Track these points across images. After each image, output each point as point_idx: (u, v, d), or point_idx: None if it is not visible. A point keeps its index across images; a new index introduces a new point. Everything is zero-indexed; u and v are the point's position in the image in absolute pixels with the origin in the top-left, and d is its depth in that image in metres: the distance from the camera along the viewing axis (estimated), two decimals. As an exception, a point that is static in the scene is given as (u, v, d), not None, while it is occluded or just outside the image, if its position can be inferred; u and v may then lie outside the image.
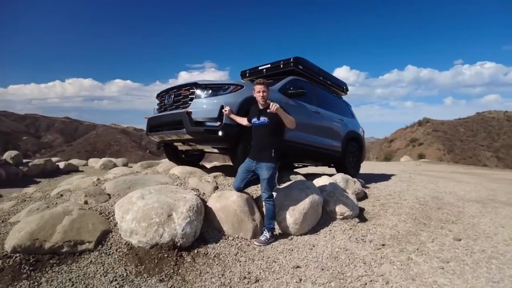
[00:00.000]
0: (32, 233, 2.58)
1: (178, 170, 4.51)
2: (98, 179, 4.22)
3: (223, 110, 3.83)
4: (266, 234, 3.37)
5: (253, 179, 3.57)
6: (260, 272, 2.80)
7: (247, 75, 6.17)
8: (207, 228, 3.32)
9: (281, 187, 4.12)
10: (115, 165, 9.79)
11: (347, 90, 7.17)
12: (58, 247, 2.61)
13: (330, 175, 5.43)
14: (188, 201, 3.11)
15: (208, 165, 5.94)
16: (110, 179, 4.32)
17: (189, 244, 2.98)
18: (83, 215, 2.92)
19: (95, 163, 11.11)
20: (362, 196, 5.37)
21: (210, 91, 4.07)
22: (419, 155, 34.92)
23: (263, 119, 3.49)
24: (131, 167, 6.59)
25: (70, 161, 11.07)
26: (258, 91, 3.54)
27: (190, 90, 4.17)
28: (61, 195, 3.74)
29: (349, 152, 6.42)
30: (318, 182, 4.69)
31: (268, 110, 3.37)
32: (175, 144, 4.64)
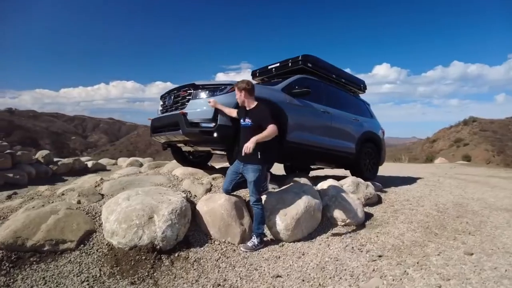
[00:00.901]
0: (16, 231, 2.68)
1: (180, 171, 4.52)
2: (102, 179, 4.34)
3: (207, 101, 3.81)
4: (254, 240, 3.24)
5: (242, 182, 3.46)
6: (236, 280, 2.68)
7: (257, 74, 6.06)
8: (193, 231, 3.27)
9: (275, 190, 3.97)
10: (141, 165, 10.11)
11: (365, 88, 6.79)
12: (40, 246, 2.69)
13: (342, 178, 5.17)
14: (172, 204, 3.07)
15: (218, 166, 5.91)
16: (114, 178, 4.43)
17: (170, 247, 2.94)
18: (69, 215, 2.99)
19: (123, 162, 11.58)
20: (375, 201, 5.05)
21: (207, 92, 4.01)
22: (464, 157, 32.58)
23: (247, 121, 3.39)
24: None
25: (99, 161, 11.63)
26: (236, 96, 3.54)
27: (188, 91, 4.14)
28: (62, 194, 3.89)
29: (364, 154, 6.07)
30: (322, 185, 4.47)
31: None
32: (178, 145, 4.66)
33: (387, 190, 5.93)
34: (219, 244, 3.21)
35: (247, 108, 3.43)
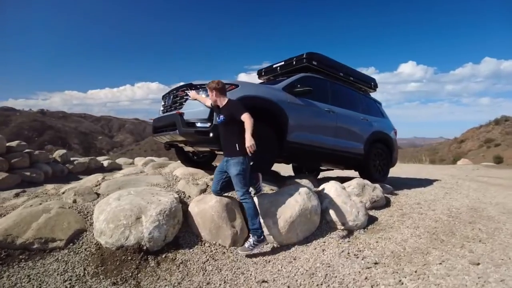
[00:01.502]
0: (7, 229, 2.75)
1: (180, 171, 4.51)
2: (103, 178, 4.41)
3: (187, 93, 3.85)
4: (251, 240, 3.12)
5: (230, 180, 3.35)
6: (220, 284, 2.62)
7: (263, 74, 5.98)
8: (184, 233, 3.23)
9: (272, 192, 3.86)
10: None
11: (375, 86, 6.54)
12: (29, 244, 2.74)
13: (351, 179, 4.98)
14: (161, 205, 3.05)
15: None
16: (114, 178, 4.48)
17: (158, 248, 2.92)
18: (61, 214, 3.04)
19: (139, 162, 11.80)
20: (383, 204, 4.83)
21: (203, 92, 3.97)
22: (495, 158, 30.96)
23: (221, 117, 3.35)
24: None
25: (117, 160, 11.90)
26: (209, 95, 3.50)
27: (185, 91, 4.13)
28: (63, 193, 3.96)
29: (374, 155, 5.84)
30: (324, 187, 4.31)
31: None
32: (180, 145, 4.65)
33: (398, 193, 5.68)
34: (209, 246, 3.15)
35: (220, 106, 3.39)
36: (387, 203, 4.96)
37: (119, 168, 10.65)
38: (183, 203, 3.46)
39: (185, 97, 4.09)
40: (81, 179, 8.65)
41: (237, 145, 3.22)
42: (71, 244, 2.87)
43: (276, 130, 4.27)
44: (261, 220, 3.27)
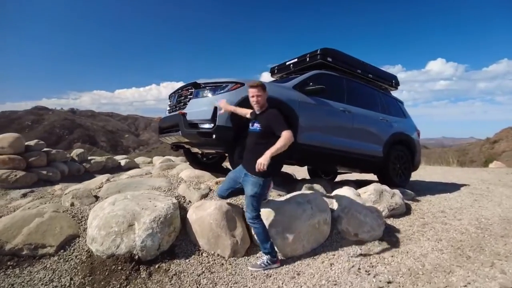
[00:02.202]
0: (-3, 233, 2.65)
1: (186, 173, 4.34)
2: (108, 179, 4.31)
3: (217, 103, 3.50)
4: (264, 258, 2.87)
5: (240, 189, 3.13)
6: (212, 301, 2.40)
7: (276, 71, 5.71)
8: (182, 241, 3.04)
9: (280, 199, 3.60)
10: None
11: (397, 84, 6.10)
12: (18, 250, 2.63)
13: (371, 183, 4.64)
14: (156, 211, 2.87)
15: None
16: (119, 179, 4.38)
17: (151, 257, 2.74)
18: (54, 218, 2.92)
19: (157, 161, 11.84)
20: (402, 212, 4.45)
21: (207, 91, 3.78)
22: (531, 160, 28.95)
23: (256, 125, 2.98)
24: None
25: (136, 159, 12.01)
26: (252, 96, 3.03)
27: (189, 90, 3.94)
28: (65, 194, 3.89)
29: (394, 158, 5.43)
30: (336, 194, 4.00)
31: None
32: (186, 146, 4.48)
33: (420, 199, 5.25)
34: (207, 256, 2.94)
35: (258, 112, 3.03)
36: (407, 211, 4.57)
37: (136, 167, 10.72)
38: (182, 209, 3.28)
39: (188, 96, 3.90)
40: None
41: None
42: (62, 250, 2.75)
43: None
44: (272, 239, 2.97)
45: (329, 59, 4.92)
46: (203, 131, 3.60)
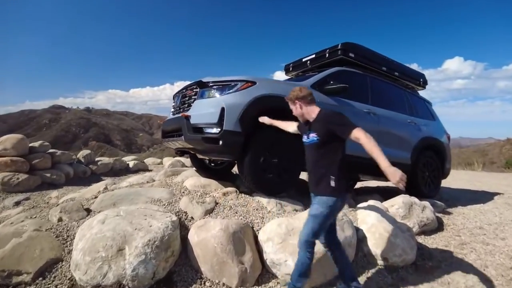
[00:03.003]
0: (-34, 258, 2.27)
1: (190, 182, 3.92)
2: (106, 188, 3.93)
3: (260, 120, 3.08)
4: None
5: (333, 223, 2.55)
6: None
7: (291, 69, 5.22)
8: (182, 266, 2.60)
9: (295, 214, 3.12)
10: (183, 165, 9.86)
11: (424, 83, 5.53)
12: (-11, 278, 2.24)
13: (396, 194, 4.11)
14: (151, 232, 2.44)
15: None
16: (121, 187, 3.99)
17: (145, 287, 2.31)
18: (34, 238, 2.53)
19: (167, 162, 11.50)
20: (434, 228, 3.93)
21: (214, 91, 3.33)
22: (557, 162, 27.43)
23: (312, 136, 2.38)
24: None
25: (146, 160, 11.72)
26: (294, 113, 2.58)
27: (194, 90, 3.51)
28: (56, 206, 3.51)
29: (422, 165, 4.87)
30: (362, 210, 3.50)
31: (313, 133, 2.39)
32: (192, 152, 4.05)
33: (451, 211, 4.69)
34: (210, 286, 2.49)
35: (310, 120, 2.48)
36: (439, 226, 4.03)
37: (144, 169, 10.41)
38: (183, 227, 2.84)
39: (192, 97, 3.47)
40: (103, 180, 8.49)
41: (332, 178, 2.25)
42: (40, 278, 2.34)
43: (301, 138, 3.54)
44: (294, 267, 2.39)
45: (351, 54, 4.40)
46: (209, 136, 3.16)
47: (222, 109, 3.10)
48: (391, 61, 4.98)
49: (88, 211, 3.15)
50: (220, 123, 3.09)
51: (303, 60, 4.94)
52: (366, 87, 4.40)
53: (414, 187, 4.76)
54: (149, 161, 11.63)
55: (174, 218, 2.75)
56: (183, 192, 3.61)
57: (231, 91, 3.23)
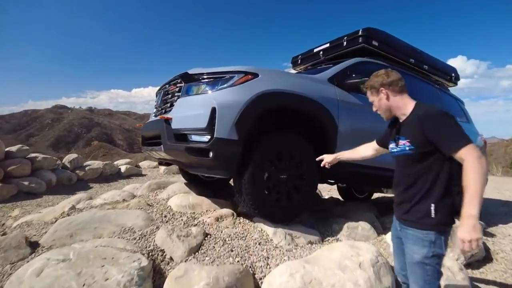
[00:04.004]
0: None
1: (176, 201, 3.14)
2: (72, 207, 3.14)
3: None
4: None
5: None
6: None
7: (299, 62, 4.42)
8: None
9: (307, 250, 2.33)
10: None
11: (456, 79, 4.70)
12: None
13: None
14: (102, 293, 1.65)
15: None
16: (91, 207, 3.21)
17: None
18: None
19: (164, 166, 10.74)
20: (482, 258, 3.11)
21: (203, 85, 2.54)
22: None
23: (402, 143, 1.70)
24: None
25: (141, 163, 11.00)
26: (371, 101, 1.92)
27: (177, 85, 2.72)
28: (4, 234, 2.73)
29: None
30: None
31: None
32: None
33: (493, 232, 3.87)
34: None
35: (401, 118, 1.77)
36: (486, 256, 3.21)
37: (138, 173, 9.66)
38: (158, 273, 2.05)
39: (175, 94, 2.69)
40: (91, 187, 7.71)
41: (432, 205, 1.57)
42: None
43: (318, 146, 2.74)
44: None
45: (375, 42, 3.60)
46: (195, 146, 2.37)
47: (213, 110, 2.31)
48: (420, 52, 4.16)
49: (35, 246, 2.36)
50: (210, 128, 2.30)
51: (315, 50, 4.13)
52: (393, 83, 3.59)
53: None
54: (144, 164, 10.89)
55: (145, 262, 1.95)
56: (165, 216, 2.82)
57: (225, 85, 2.44)
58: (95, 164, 8.34)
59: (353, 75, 3.01)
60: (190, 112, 2.44)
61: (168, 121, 2.49)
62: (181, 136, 2.44)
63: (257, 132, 2.47)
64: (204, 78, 2.54)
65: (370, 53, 3.68)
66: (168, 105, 2.76)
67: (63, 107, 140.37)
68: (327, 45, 3.94)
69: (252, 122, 2.37)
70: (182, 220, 2.73)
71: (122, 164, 9.52)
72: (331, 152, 2.72)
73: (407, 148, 1.65)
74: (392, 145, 1.81)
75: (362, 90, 2.83)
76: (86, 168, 7.92)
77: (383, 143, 2.01)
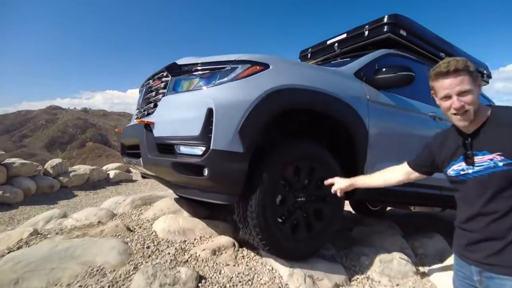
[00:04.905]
0: None
1: (163, 224, 2.52)
2: (34, 232, 2.51)
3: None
4: None
5: None
6: None
7: (309, 55, 3.83)
8: None
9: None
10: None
11: (488, 77, 4.14)
12: None
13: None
14: None
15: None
16: (59, 231, 2.58)
17: None
18: None
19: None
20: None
21: (196, 79, 1.93)
22: None
23: (486, 159, 1.22)
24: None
25: (130, 168, 10.38)
26: (445, 96, 1.27)
27: (163, 80, 2.10)
28: None
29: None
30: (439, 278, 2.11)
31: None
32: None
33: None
34: None
35: (467, 130, 1.30)
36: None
37: (128, 179, 9.05)
38: None
39: (160, 91, 2.08)
40: (76, 195, 7.05)
41: None
42: None
43: (344, 158, 2.15)
44: None
45: (403, 32, 3.02)
46: (185, 161, 1.76)
47: (209, 112, 1.70)
48: (450, 45, 3.59)
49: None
50: (205, 137, 1.69)
51: (328, 42, 3.54)
52: (425, 81, 3.01)
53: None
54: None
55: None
56: (148, 248, 2.20)
57: (225, 79, 1.83)
58: (81, 169, 7.70)
59: (384, 69, 2.41)
60: (178, 114, 1.83)
61: (149, 126, 1.88)
62: (165, 147, 1.83)
63: (268, 142, 1.87)
64: (197, 70, 1.93)
65: (395, 45, 3.10)
66: (152, 105, 2.14)
67: (57, 107, 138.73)
68: (344, 35, 3.35)
69: (262, 129, 1.77)
70: (169, 254, 2.11)
71: (112, 169, 8.89)
72: (359, 167, 2.13)
73: (501, 164, 1.17)
74: (458, 166, 1.31)
75: (399, 87, 2.26)
76: (71, 174, 7.28)
77: (421, 167, 1.55)
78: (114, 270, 1.91)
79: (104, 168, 8.67)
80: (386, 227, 3.25)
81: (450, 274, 2.17)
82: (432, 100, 2.71)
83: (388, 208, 5.14)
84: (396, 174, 1.63)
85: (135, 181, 8.99)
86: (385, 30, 2.98)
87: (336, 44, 3.42)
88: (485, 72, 4.02)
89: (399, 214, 5.20)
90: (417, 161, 1.55)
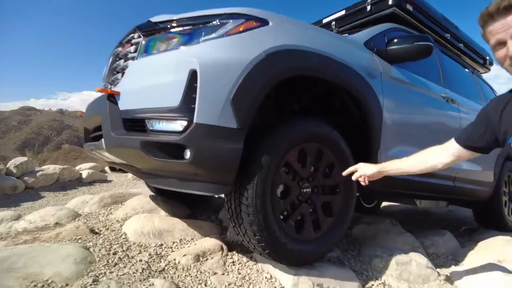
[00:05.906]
0: None
1: (137, 225, 2.10)
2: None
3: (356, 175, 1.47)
4: None
5: None
6: None
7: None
8: None
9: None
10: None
11: (490, 64, 3.95)
12: None
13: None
14: None
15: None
16: (8, 236, 2.09)
17: None
18: None
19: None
20: None
21: (175, 37, 1.52)
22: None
23: None
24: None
25: (106, 168, 9.74)
26: (498, 42, 0.97)
27: (133, 42, 1.67)
28: None
29: (504, 184, 3.26)
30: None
31: None
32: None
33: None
34: None
35: None
36: None
37: (102, 179, 8.40)
38: None
39: (129, 55, 1.65)
40: (43, 197, 6.41)
41: None
42: None
43: (355, 142, 1.79)
44: None
45: (409, 7, 2.72)
46: (159, 140, 1.34)
47: (192, 75, 1.29)
48: (456, 27, 3.34)
49: None
50: (186, 107, 1.28)
51: (324, 21, 3.20)
52: (434, 61, 2.72)
53: (493, 217, 3.13)
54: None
55: None
56: (114, 254, 1.76)
57: (213, 35, 1.42)
58: (50, 169, 7.03)
59: (395, 40, 2.08)
60: (150, 81, 1.42)
61: (113, 97, 1.46)
62: (134, 123, 1.41)
63: (268, 117, 1.49)
64: (177, 26, 1.52)
65: (399, 21, 2.80)
66: (119, 75, 1.70)
67: (31, 108, 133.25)
68: (343, 12, 3.02)
69: (260, 100, 1.38)
70: (140, 261, 1.68)
71: (85, 169, 8.23)
72: (373, 152, 1.78)
73: None
74: None
75: (415, 59, 1.93)
76: (38, 174, 6.60)
77: (476, 142, 1.23)
78: (67, 285, 1.46)
79: (77, 167, 8.01)
80: (390, 225, 2.93)
81: (475, 278, 1.86)
82: (439, 80, 2.42)
83: (383, 204, 4.86)
84: (441, 155, 1.30)
85: (110, 181, 8.38)
86: (390, 3, 2.67)
87: (334, 23, 3.09)
88: (487, 58, 3.81)
89: (394, 211, 4.94)
90: (471, 136, 1.22)
